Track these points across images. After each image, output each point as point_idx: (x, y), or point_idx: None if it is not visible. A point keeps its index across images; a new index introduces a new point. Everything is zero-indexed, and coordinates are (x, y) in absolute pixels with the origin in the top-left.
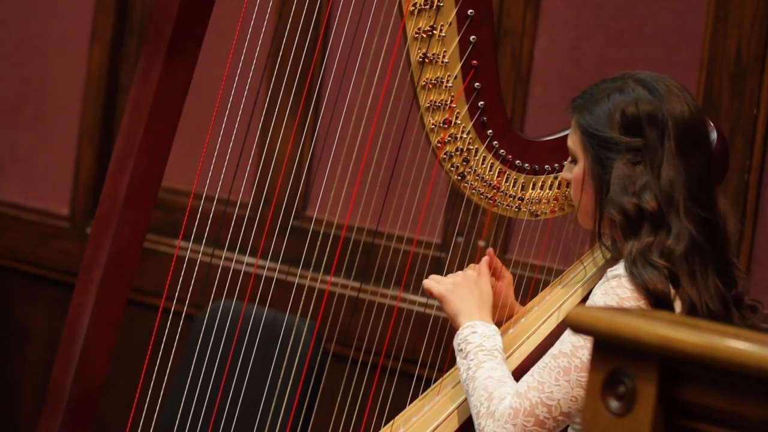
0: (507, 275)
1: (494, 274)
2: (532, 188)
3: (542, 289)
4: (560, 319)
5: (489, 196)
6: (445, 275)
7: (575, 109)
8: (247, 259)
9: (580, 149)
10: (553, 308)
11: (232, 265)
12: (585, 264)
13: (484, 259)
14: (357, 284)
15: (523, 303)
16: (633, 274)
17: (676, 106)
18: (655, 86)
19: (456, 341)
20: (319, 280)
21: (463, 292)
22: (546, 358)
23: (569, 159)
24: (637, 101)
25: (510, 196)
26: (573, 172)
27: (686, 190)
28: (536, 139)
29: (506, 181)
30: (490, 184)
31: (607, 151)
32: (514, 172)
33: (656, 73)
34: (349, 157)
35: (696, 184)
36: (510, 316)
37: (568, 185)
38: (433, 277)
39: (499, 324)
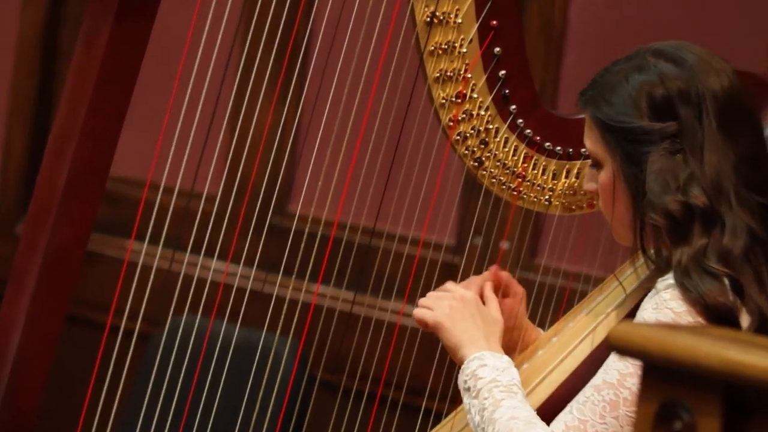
0: (518, 291)
1: (503, 291)
2: (566, 176)
3: (578, 301)
4: (597, 343)
5: (512, 187)
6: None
7: (588, 102)
8: (215, 264)
9: (603, 150)
10: (585, 331)
11: (197, 272)
12: (624, 277)
13: (488, 285)
14: (350, 295)
15: (554, 319)
16: (686, 288)
17: (711, 77)
18: (682, 56)
19: (462, 378)
20: (303, 289)
21: (464, 318)
22: (587, 391)
23: (589, 165)
24: (663, 78)
25: (538, 186)
26: (599, 179)
27: (736, 175)
28: (570, 116)
29: (534, 168)
30: (514, 171)
31: (638, 144)
32: (543, 157)
33: (677, 40)
34: (341, 138)
35: (747, 166)
36: (525, 344)
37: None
38: (423, 301)
39: (509, 352)
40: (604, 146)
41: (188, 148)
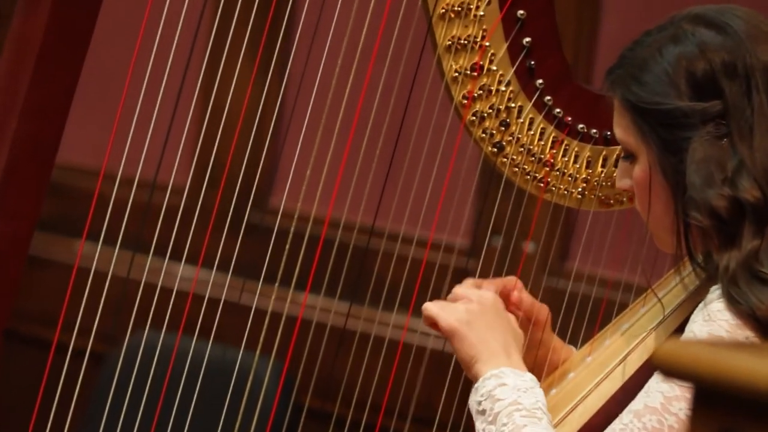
0: (543, 311)
1: (524, 313)
2: (603, 165)
3: (617, 315)
4: (639, 364)
5: (539, 177)
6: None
7: (616, 82)
8: (182, 270)
9: (635, 138)
10: (625, 350)
11: (161, 279)
12: (669, 288)
13: (494, 291)
14: (345, 307)
15: (588, 336)
16: (734, 299)
17: (761, 45)
18: (725, 22)
19: (475, 398)
20: (288, 300)
21: (483, 325)
22: (625, 417)
23: (621, 157)
24: (704, 49)
25: (570, 176)
26: (634, 174)
27: None
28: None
29: (564, 155)
30: (540, 158)
31: (676, 129)
32: (575, 142)
33: (719, 4)
34: (333, 117)
35: None
36: (553, 365)
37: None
38: (436, 301)
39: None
40: (637, 134)
41: (150, 130)
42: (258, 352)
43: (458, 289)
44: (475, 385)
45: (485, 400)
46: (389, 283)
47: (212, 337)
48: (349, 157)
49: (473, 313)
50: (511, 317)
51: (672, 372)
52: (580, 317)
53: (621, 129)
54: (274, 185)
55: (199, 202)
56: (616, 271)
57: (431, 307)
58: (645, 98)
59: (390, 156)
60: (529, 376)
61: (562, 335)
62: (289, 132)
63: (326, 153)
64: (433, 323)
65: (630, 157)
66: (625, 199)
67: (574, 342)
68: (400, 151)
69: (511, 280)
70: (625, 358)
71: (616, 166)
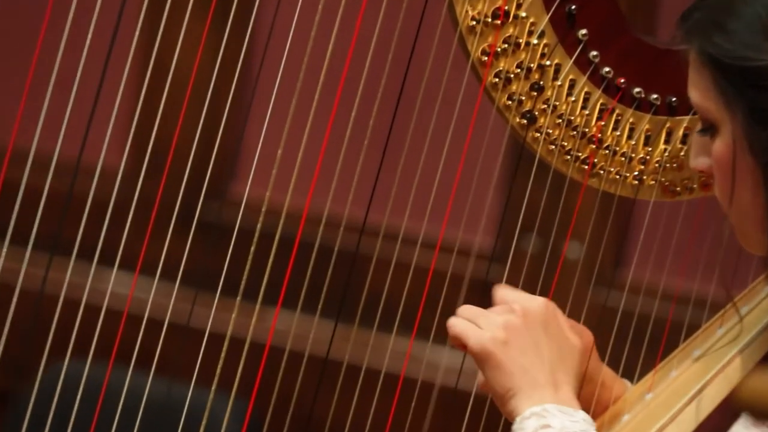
0: (584, 334)
1: None
2: (666, 140)
3: (686, 338)
4: (716, 402)
5: (582, 157)
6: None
7: (692, 31)
8: (114, 280)
9: (717, 105)
10: (696, 384)
11: (86, 292)
12: (755, 302)
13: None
14: (328, 328)
15: (648, 366)
16: None
17: None
18: None
19: None
20: (254, 319)
21: (526, 345)
22: None
23: (697, 130)
24: None
25: (623, 155)
26: (713, 151)
27: None
28: (676, 46)
29: (615, 128)
30: (585, 133)
31: None
32: (630, 111)
33: None
34: (311, 82)
35: None
36: (603, 404)
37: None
38: (468, 309)
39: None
40: (719, 99)
41: (71, 99)
42: (214, 387)
43: (500, 293)
44: (513, 428)
45: None
46: (386, 297)
47: (154, 367)
48: (333, 133)
49: (513, 330)
50: (571, 333)
51: (764, 414)
52: (637, 341)
53: (698, 92)
54: (236, 170)
55: (137, 192)
56: (684, 281)
57: (458, 324)
58: (731, 52)
59: (386, 131)
60: (582, 416)
61: (613, 366)
62: (255, 101)
63: (303, 127)
64: (459, 342)
65: (709, 129)
66: (695, 185)
67: (629, 374)
68: (400, 125)
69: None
70: (697, 394)
71: (683, 142)
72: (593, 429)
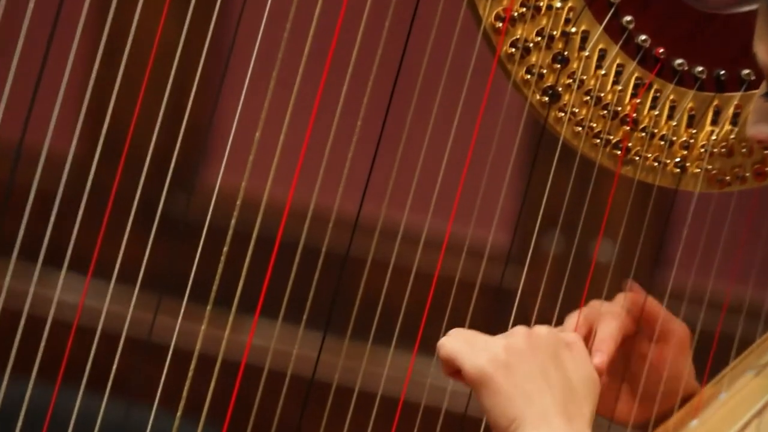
0: (676, 330)
1: (645, 331)
2: (713, 121)
3: (738, 353)
4: None
5: (615, 141)
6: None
7: None
8: (61, 282)
9: None
10: (755, 406)
11: (28, 300)
12: None
13: (609, 322)
14: (314, 343)
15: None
16: None
17: None
18: None
19: None
20: (227, 329)
21: (531, 371)
22: None
23: (761, 93)
24: None
25: (663, 139)
26: None
27: None
28: (728, 8)
29: (653, 107)
30: (617, 112)
31: None
32: (670, 86)
33: None
34: (294, 55)
35: None
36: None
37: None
38: (461, 331)
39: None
40: None
41: (11, 73)
42: (180, 411)
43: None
44: None
45: None
46: (383, 305)
47: (109, 388)
48: (320, 112)
49: (516, 352)
50: (585, 363)
51: None
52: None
53: (765, 50)
54: (206, 156)
55: (89, 182)
56: (734, 286)
57: (450, 344)
58: None
59: (383, 109)
60: None
61: None
62: (228, 74)
63: (285, 105)
64: (454, 369)
65: None
66: (748, 173)
67: None
68: (399, 103)
69: (629, 290)
70: (754, 419)
71: (733, 123)
72: None
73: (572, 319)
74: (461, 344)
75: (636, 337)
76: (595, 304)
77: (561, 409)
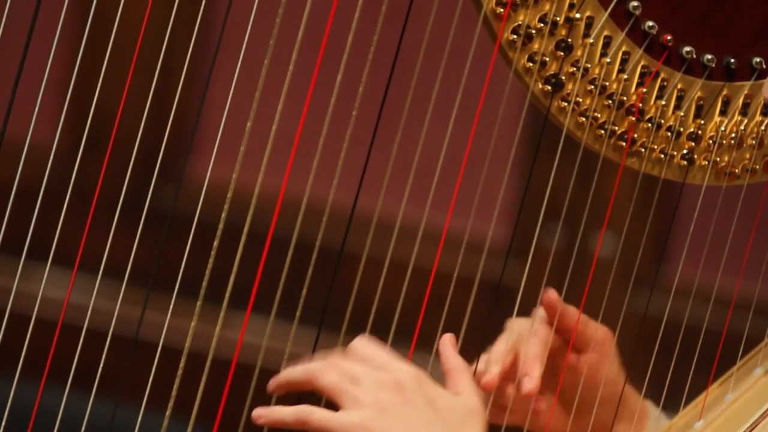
0: (595, 335)
1: (575, 342)
2: (723, 112)
3: (745, 353)
4: None
5: (620, 132)
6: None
7: None
8: (46, 277)
9: None
10: (759, 410)
11: (12, 296)
12: None
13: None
14: (308, 340)
15: (699, 386)
16: None
17: None
18: None
19: None
20: (218, 326)
21: (412, 419)
22: None
23: None
24: None
25: (669, 130)
26: None
27: None
28: None
29: (660, 96)
30: (622, 102)
31: None
32: (678, 75)
33: None
34: (286, 41)
35: None
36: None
37: None
38: (318, 371)
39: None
40: None
41: None
42: (169, 411)
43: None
44: None
45: None
46: (378, 303)
47: (95, 387)
48: (314, 101)
49: (388, 403)
50: (471, 397)
51: None
52: (686, 356)
53: None
54: (194, 147)
55: (73, 174)
56: (742, 283)
57: (289, 375)
58: None
59: (380, 98)
60: None
61: (656, 386)
62: (217, 61)
63: (277, 94)
64: (301, 419)
65: None
66: (758, 166)
67: (675, 396)
68: (396, 91)
69: (545, 300)
70: (760, 420)
71: (743, 113)
72: None
73: (498, 346)
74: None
75: (561, 349)
76: (515, 326)
77: None
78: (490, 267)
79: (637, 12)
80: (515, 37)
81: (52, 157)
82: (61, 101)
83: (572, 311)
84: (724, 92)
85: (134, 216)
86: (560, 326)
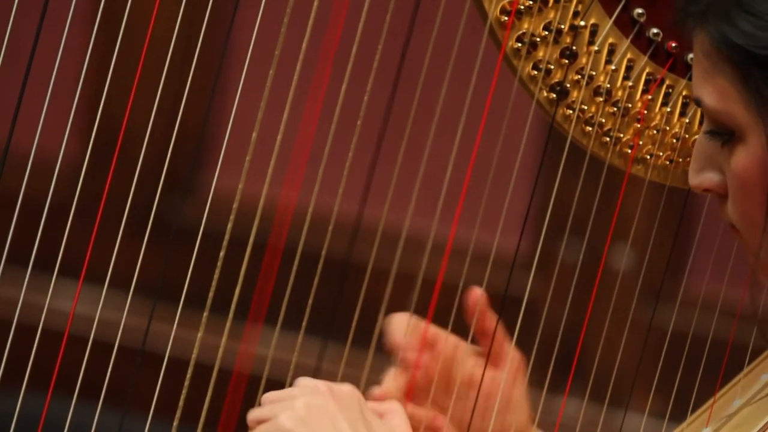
0: (510, 355)
1: (492, 357)
2: None
3: (751, 362)
4: None
5: (625, 139)
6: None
7: (706, 15)
8: (52, 288)
9: (743, 107)
10: (760, 424)
11: (18, 307)
12: None
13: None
14: (312, 350)
15: (705, 395)
16: None
17: None
18: None
19: None
20: (224, 339)
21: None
22: None
23: (704, 130)
24: None
25: (675, 137)
26: (733, 165)
27: None
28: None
29: (665, 104)
30: (628, 109)
31: None
32: (683, 82)
33: None
34: (292, 51)
35: None
36: None
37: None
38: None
39: None
40: (748, 100)
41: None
42: (176, 422)
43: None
44: None
45: None
46: (384, 313)
47: (102, 398)
48: (320, 111)
49: (315, 407)
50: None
51: None
52: (692, 365)
53: (715, 93)
54: (201, 158)
55: (79, 185)
56: (749, 293)
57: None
58: (761, 39)
59: (385, 108)
60: None
61: (663, 395)
62: (224, 71)
63: (283, 104)
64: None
65: (723, 134)
66: None
67: (681, 404)
68: (402, 101)
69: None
70: (766, 429)
71: None
72: None
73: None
74: (266, 408)
75: (467, 359)
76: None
77: None
78: (496, 278)
79: (642, 19)
80: (520, 45)
81: (58, 168)
82: (67, 112)
83: (492, 317)
84: None
85: (140, 227)
86: (478, 329)
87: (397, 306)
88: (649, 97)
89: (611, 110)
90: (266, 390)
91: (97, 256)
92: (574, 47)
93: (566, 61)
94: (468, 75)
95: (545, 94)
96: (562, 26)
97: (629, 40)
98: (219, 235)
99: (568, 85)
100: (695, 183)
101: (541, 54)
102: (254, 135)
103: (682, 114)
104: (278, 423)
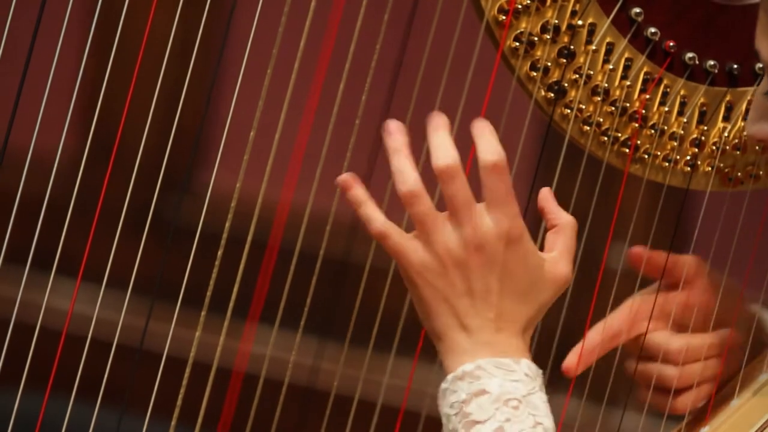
0: (692, 266)
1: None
2: (725, 118)
3: (749, 361)
4: None
5: (623, 138)
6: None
7: None
8: (50, 288)
9: None
10: (764, 416)
11: (16, 306)
12: None
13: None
14: (313, 347)
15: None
16: None
17: None
18: None
19: (444, 407)
20: (222, 337)
21: (472, 276)
22: None
23: (764, 91)
24: None
25: (672, 136)
26: None
27: None
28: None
29: (663, 103)
30: (625, 108)
31: None
32: (681, 81)
33: None
34: (291, 46)
35: None
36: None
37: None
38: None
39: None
40: None
41: None
42: (174, 421)
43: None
44: (442, 386)
45: (455, 414)
46: (382, 312)
47: (100, 397)
48: (318, 110)
49: (453, 256)
50: (534, 257)
51: None
52: None
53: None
54: (198, 157)
55: (77, 184)
56: (747, 290)
57: (376, 222)
58: None
59: (382, 108)
60: (525, 369)
61: (662, 391)
62: (221, 70)
63: (281, 103)
64: (380, 233)
65: None
66: (762, 171)
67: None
68: (399, 100)
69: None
70: (765, 426)
71: (746, 118)
72: (539, 381)
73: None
74: (389, 229)
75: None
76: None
77: (492, 326)
78: None
79: (640, 18)
80: (518, 44)
81: (55, 166)
82: (65, 111)
83: (659, 255)
84: (727, 98)
85: (138, 226)
86: (651, 271)
87: (395, 305)
88: (647, 96)
89: (609, 109)
90: (264, 389)
91: (95, 254)
92: (571, 46)
93: (564, 61)
94: (466, 74)
95: (543, 93)
96: (560, 25)
97: (627, 40)
98: (217, 234)
99: (566, 85)
100: (750, 132)
101: (538, 53)
102: (252, 134)
103: (680, 113)
104: (411, 257)
